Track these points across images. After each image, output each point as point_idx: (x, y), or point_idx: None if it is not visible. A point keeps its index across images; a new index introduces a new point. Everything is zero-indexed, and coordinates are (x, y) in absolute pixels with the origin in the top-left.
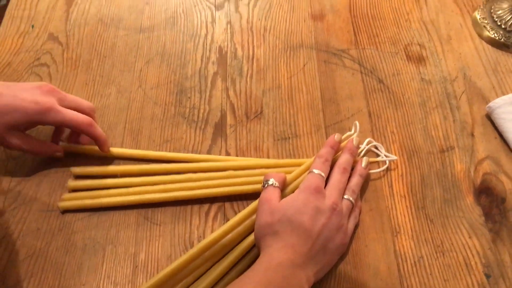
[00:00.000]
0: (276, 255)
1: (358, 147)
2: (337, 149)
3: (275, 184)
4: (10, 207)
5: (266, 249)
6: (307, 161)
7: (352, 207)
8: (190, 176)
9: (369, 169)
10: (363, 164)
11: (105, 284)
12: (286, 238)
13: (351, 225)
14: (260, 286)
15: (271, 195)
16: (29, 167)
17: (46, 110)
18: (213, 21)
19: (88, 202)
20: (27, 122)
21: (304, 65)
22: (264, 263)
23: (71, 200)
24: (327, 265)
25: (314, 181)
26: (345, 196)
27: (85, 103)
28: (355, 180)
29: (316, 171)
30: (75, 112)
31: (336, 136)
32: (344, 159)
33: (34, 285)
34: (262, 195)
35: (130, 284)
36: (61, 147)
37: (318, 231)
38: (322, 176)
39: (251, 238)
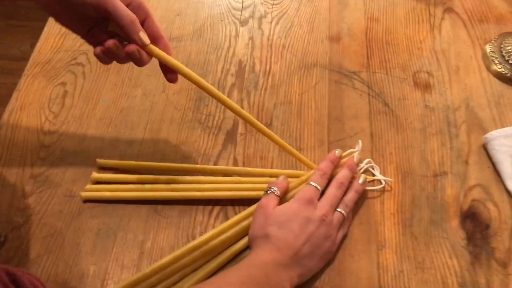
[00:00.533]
0: (263, 254)
1: (358, 165)
2: (336, 164)
3: (277, 192)
4: (38, 189)
5: (256, 249)
6: (307, 173)
7: (344, 219)
8: (199, 178)
9: (365, 187)
10: (360, 181)
11: (113, 266)
12: (275, 242)
13: (339, 235)
14: (241, 279)
15: (269, 201)
16: (58, 156)
17: None
18: (237, 35)
19: (107, 194)
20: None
21: (316, 84)
22: (250, 260)
23: (92, 191)
24: (313, 269)
25: (308, 193)
26: (338, 209)
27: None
28: (350, 196)
29: (312, 183)
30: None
31: (337, 152)
32: (342, 174)
33: (52, 260)
34: (262, 200)
35: (135, 268)
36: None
37: (306, 239)
38: (318, 189)
39: (246, 239)
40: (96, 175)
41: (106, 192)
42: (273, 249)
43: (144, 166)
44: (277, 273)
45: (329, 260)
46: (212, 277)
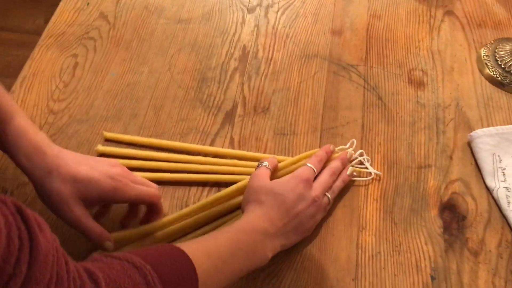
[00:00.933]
0: (254, 221)
1: (349, 161)
2: (329, 157)
3: (268, 166)
4: None
5: (248, 213)
6: (298, 156)
7: (329, 204)
8: (199, 158)
9: (353, 177)
10: (348, 172)
11: (115, 228)
12: (268, 210)
13: (320, 216)
14: (230, 242)
15: (263, 172)
16: (65, 122)
17: (121, 186)
18: (243, 22)
19: None
20: (99, 196)
21: (315, 73)
22: (242, 225)
23: None
24: (293, 242)
25: (306, 173)
26: (327, 194)
27: (153, 184)
28: (338, 184)
29: (310, 165)
30: (145, 188)
31: (332, 146)
32: (335, 164)
33: (54, 217)
34: (256, 171)
35: None
36: (111, 238)
37: (296, 214)
38: (314, 171)
39: (238, 199)
40: (101, 148)
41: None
42: (265, 218)
43: (147, 142)
44: (264, 242)
45: (306, 237)
46: (203, 236)
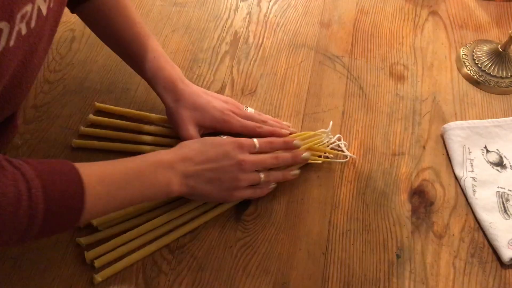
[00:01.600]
0: (163, 155)
1: (304, 159)
2: (289, 149)
3: (256, 145)
4: (38, 118)
5: (165, 150)
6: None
7: (258, 183)
8: None
9: (289, 178)
10: (292, 172)
11: None
12: (187, 151)
13: (246, 193)
14: (126, 170)
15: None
16: (59, 92)
17: (229, 119)
18: (236, 9)
19: (96, 143)
20: (210, 125)
21: (301, 62)
22: (147, 156)
23: (84, 140)
24: (204, 195)
25: (244, 141)
26: (259, 171)
27: (255, 116)
28: (276, 173)
29: (255, 140)
30: (249, 122)
31: (296, 142)
32: (284, 154)
33: None
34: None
35: None
36: None
37: (213, 167)
38: (255, 146)
39: None
40: (92, 117)
41: (95, 142)
42: (178, 155)
43: (137, 115)
44: (167, 175)
45: (223, 200)
46: (104, 161)
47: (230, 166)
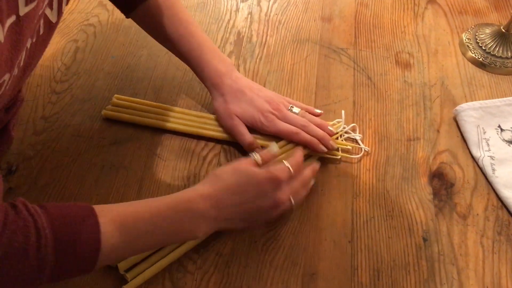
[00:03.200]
0: (195, 199)
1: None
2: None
3: (259, 160)
4: (48, 128)
5: (197, 186)
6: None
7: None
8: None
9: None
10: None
11: (114, 198)
12: (219, 192)
13: (276, 215)
14: (151, 217)
15: (246, 162)
16: (68, 102)
17: (265, 122)
18: (237, 10)
19: (125, 116)
20: (251, 124)
21: (307, 56)
22: (178, 200)
23: (113, 111)
24: (238, 228)
25: (281, 172)
26: (291, 199)
27: (296, 119)
28: (303, 192)
29: (288, 165)
30: (286, 125)
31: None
32: (307, 173)
33: (58, 189)
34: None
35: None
36: (257, 143)
37: (251, 205)
38: (290, 174)
39: None
40: (116, 100)
41: (124, 114)
42: (211, 200)
43: (155, 106)
44: (196, 223)
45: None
46: (130, 203)
47: (267, 206)
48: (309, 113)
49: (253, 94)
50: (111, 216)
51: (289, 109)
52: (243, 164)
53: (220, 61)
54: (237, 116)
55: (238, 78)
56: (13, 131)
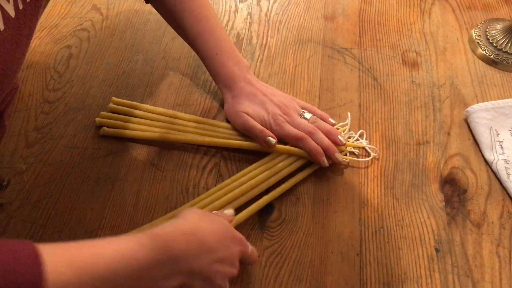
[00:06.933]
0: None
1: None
2: None
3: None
4: (41, 140)
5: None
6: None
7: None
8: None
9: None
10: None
11: (109, 211)
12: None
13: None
14: (110, 262)
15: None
16: (61, 111)
17: (273, 126)
18: (236, 11)
19: (119, 123)
20: (259, 123)
21: (310, 57)
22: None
23: (106, 119)
24: None
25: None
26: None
27: (306, 125)
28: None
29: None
30: (294, 130)
31: None
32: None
33: (52, 204)
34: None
35: (131, 213)
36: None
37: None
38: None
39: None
40: (113, 106)
41: (118, 121)
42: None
43: (153, 110)
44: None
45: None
46: (97, 240)
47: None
48: (323, 120)
49: (265, 98)
50: (56, 254)
51: (300, 114)
52: (212, 217)
53: (236, 63)
54: (246, 113)
55: (251, 81)
56: (7, 121)
